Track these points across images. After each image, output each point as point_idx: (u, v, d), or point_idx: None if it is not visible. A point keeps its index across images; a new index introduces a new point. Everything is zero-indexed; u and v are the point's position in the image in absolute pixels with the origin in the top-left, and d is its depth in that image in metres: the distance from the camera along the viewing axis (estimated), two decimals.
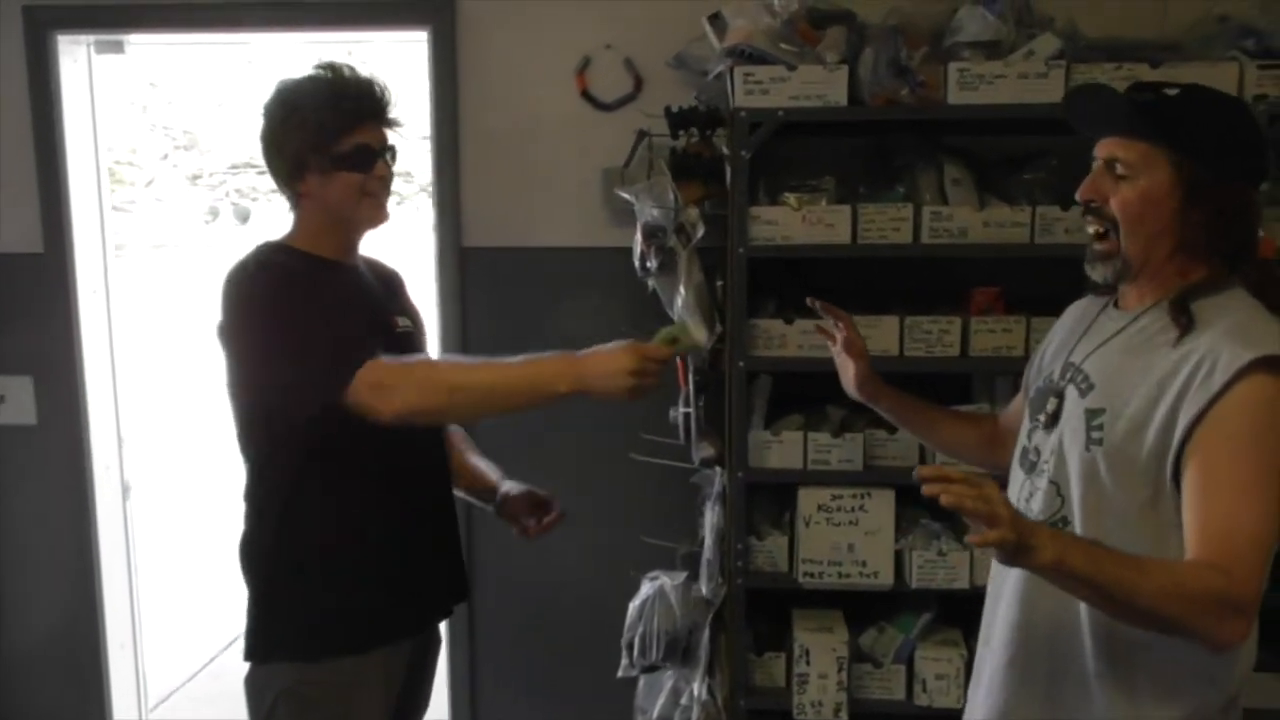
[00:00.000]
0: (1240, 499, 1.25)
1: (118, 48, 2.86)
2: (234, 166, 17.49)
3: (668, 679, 2.51)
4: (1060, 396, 1.46)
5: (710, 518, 2.41)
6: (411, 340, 1.81)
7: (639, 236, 2.33)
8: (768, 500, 2.42)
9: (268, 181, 1.79)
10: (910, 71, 2.12)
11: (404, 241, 3.85)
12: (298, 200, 1.73)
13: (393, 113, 1.74)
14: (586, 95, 2.62)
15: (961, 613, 2.28)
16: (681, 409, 2.40)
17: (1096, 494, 1.38)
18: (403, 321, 1.81)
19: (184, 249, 16.14)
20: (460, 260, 2.72)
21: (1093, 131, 1.45)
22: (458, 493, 1.94)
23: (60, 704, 2.97)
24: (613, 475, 2.67)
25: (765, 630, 2.44)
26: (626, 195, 2.37)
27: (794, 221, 2.20)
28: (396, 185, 1.81)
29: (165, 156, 17.30)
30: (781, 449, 2.28)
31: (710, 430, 2.39)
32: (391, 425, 1.57)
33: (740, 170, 2.18)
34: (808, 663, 2.30)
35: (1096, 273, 1.46)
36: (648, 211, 2.30)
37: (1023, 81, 2.11)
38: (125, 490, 3.02)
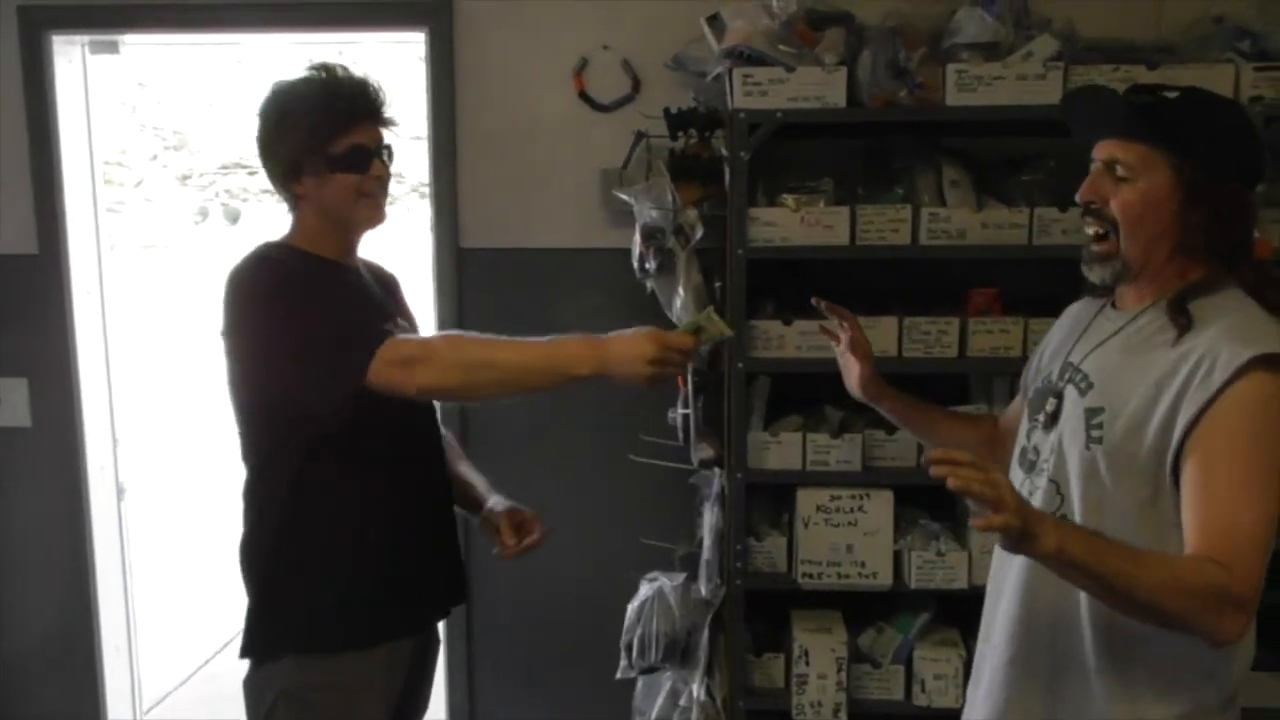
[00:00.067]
0: (1240, 496, 1.26)
1: (112, 48, 2.85)
2: (224, 167, 17.42)
3: (666, 680, 2.51)
4: (1059, 396, 1.47)
5: (709, 518, 2.41)
6: None
7: (637, 238, 2.33)
8: (766, 501, 2.42)
9: (258, 182, 1.80)
10: (908, 73, 2.12)
11: (397, 242, 3.83)
12: (295, 202, 1.73)
13: (388, 112, 1.73)
14: (584, 96, 2.62)
15: (960, 613, 2.29)
16: (680, 410, 2.40)
17: (1096, 493, 1.39)
18: (401, 324, 1.80)
19: (173, 250, 16.07)
20: (457, 261, 2.71)
21: (1091, 133, 1.45)
22: None
23: (55, 706, 2.95)
24: (612, 476, 2.67)
25: (764, 631, 2.44)
26: (625, 196, 2.37)
27: (793, 223, 2.20)
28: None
29: (155, 157, 17.24)
30: (780, 450, 2.29)
31: (709, 431, 2.39)
32: (415, 400, 1.57)
33: (739, 171, 2.18)
34: (807, 663, 2.30)
35: (1094, 274, 1.47)
36: (646, 213, 2.30)
37: (1021, 83, 2.12)
38: (120, 492, 3.00)
